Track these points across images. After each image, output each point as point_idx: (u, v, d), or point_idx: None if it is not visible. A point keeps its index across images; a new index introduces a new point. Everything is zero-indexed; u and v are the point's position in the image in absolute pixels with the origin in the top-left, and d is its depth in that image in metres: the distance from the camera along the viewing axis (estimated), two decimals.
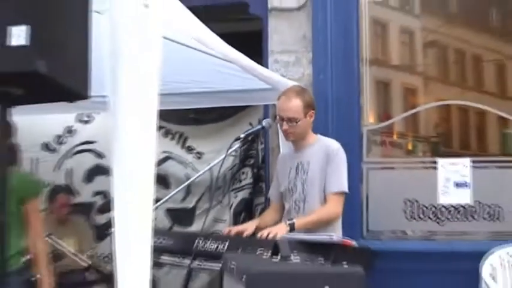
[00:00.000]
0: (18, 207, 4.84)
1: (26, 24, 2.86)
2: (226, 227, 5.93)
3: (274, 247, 3.81)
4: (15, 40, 2.86)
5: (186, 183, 6.27)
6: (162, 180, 7.86)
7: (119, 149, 3.58)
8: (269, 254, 3.82)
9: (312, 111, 5.29)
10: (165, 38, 4.64)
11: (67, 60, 3.14)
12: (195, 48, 4.96)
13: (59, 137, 8.34)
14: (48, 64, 2.89)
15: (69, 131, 8.30)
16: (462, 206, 6.29)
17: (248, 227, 5.32)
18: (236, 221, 7.12)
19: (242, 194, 7.74)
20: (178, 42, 4.88)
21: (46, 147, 8.38)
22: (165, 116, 7.81)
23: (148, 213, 3.58)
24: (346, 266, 3.75)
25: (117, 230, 3.54)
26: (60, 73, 3.05)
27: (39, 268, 4.95)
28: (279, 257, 3.69)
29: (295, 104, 5.18)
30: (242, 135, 5.44)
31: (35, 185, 5.10)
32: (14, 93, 3.19)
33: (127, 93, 3.55)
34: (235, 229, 5.36)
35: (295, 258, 3.69)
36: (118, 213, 3.55)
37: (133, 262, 3.50)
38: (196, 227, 7.50)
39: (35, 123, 8.04)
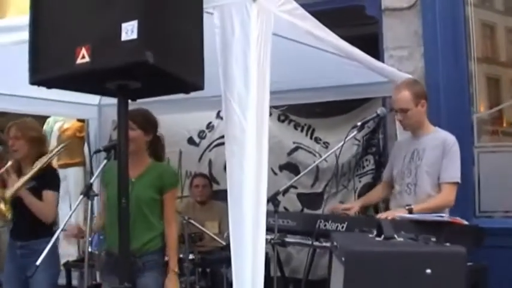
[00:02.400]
0: (159, 195, 4.69)
1: (136, 19, 2.66)
2: (331, 206, 5.84)
3: (378, 228, 3.46)
4: (127, 35, 2.70)
5: (309, 168, 5.99)
6: (294, 168, 7.71)
7: (233, 140, 3.38)
8: (375, 234, 3.48)
9: (423, 101, 5.02)
10: (293, 40, 4.50)
11: (179, 52, 2.98)
12: (319, 48, 4.78)
13: (201, 132, 8.30)
14: (157, 55, 2.71)
15: (210, 126, 8.24)
16: None
17: (353, 206, 5.28)
18: None
19: (365, 179, 7.44)
20: (303, 43, 4.70)
21: (190, 141, 8.36)
22: (295, 110, 7.78)
23: (263, 195, 3.38)
24: (448, 245, 3.36)
25: (231, 210, 3.36)
26: (171, 64, 2.88)
27: (168, 250, 4.76)
28: (382, 237, 3.34)
29: (404, 95, 4.96)
30: (358, 123, 5.25)
31: (174, 177, 4.97)
32: (131, 86, 3.02)
33: (238, 86, 3.34)
34: (342, 206, 5.34)
35: (399, 238, 3.32)
36: (232, 197, 3.36)
37: (247, 242, 3.31)
38: (325, 209, 7.25)
39: (182, 120, 8.17)
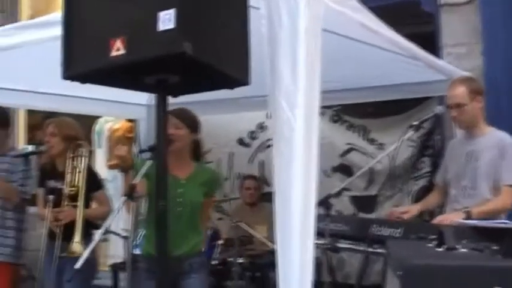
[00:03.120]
0: (203, 198, 4.58)
1: (173, 7, 2.42)
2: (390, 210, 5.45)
3: (439, 236, 3.09)
4: (164, 24, 2.47)
5: (362, 170, 5.81)
6: (347, 170, 7.46)
7: (280, 139, 3.13)
8: (435, 243, 3.12)
9: (479, 96, 4.75)
10: (346, 36, 4.25)
11: (221, 43, 2.73)
12: (372, 45, 4.60)
13: (252, 132, 8.10)
14: (196, 46, 2.46)
15: (261, 127, 8.03)
16: None
17: (411, 210, 4.94)
18: None
19: (422, 182, 7.14)
20: (356, 40, 4.54)
21: (241, 142, 8.17)
22: (348, 110, 7.51)
23: (312, 198, 3.12)
24: None
25: (277, 213, 3.11)
26: (212, 56, 2.63)
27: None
28: (443, 248, 2.98)
29: (460, 90, 4.70)
30: (415, 123, 5.01)
31: (219, 183, 4.97)
32: (171, 81, 2.78)
33: (286, 82, 3.08)
34: (398, 210, 5.01)
35: (462, 249, 2.95)
36: (279, 200, 3.11)
37: (295, 248, 3.05)
38: (378, 213, 6.97)
39: (232, 120, 8.00)
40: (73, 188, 4.99)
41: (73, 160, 5.07)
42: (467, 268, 2.61)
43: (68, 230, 4.89)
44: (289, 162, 3.04)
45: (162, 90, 2.84)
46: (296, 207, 3.03)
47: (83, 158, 5.08)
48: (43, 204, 5.16)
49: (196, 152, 4.74)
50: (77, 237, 4.80)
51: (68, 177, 5.02)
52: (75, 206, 4.96)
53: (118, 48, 2.57)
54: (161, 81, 2.79)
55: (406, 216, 4.77)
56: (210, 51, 2.61)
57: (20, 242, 5.37)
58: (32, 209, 5.65)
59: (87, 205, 5.04)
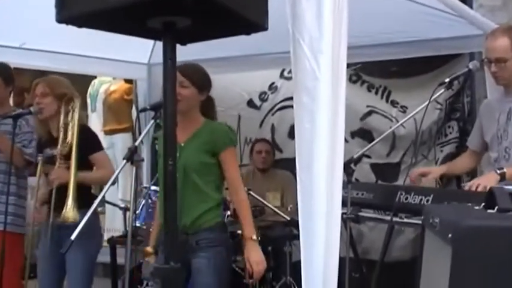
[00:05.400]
0: (213, 158, 4.31)
1: None
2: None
3: (489, 197, 2.89)
4: None
5: (384, 135, 5.59)
6: (367, 134, 7.26)
7: (302, 90, 2.98)
8: (481, 206, 2.94)
9: None
10: None
11: None
12: None
13: (263, 93, 7.87)
14: None
15: (272, 87, 7.81)
16: None
17: (434, 170, 4.91)
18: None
19: (448, 148, 7.00)
20: None
21: (251, 103, 7.96)
22: (368, 69, 7.28)
23: (339, 158, 2.98)
24: None
25: (300, 175, 2.98)
26: None
27: (241, 218, 4.39)
28: (495, 209, 2.78)
29: (502, 43, 4.42)
30: (447, 80, 4.74)
31: (227, 134, 4.44)
32: (180, 24, 2.60)
33: (309, 25, 2.92)
34: (419, 171, 4.94)
35: None
36: (301, 160, 2.98)
37: (319, 215, 2.91)
38: (401, 182, 6.81)
39: (240, 80, 7.81)
40: (65, 147, 4.78)
41: (66, 116, 4.86)
42: None
43: (64, 196, 4.67)
44: (313, 116, 2.92)
45: (170, 36, 2.66)
46: (321, 168, 2.91)
47: (74, 113, 4.86)
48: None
49: (209, 112, 4.54)
50: (70, 201, 4.53)
51: (61, 135, 4.81)
52: (69, 168, 4.70)
53: None
54: (168, 24, 2.61)
55: (428, 177, 4.71)
56: None
57: (21, 210, 5.22)
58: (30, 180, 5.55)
59: (87, 168, 4.84)
